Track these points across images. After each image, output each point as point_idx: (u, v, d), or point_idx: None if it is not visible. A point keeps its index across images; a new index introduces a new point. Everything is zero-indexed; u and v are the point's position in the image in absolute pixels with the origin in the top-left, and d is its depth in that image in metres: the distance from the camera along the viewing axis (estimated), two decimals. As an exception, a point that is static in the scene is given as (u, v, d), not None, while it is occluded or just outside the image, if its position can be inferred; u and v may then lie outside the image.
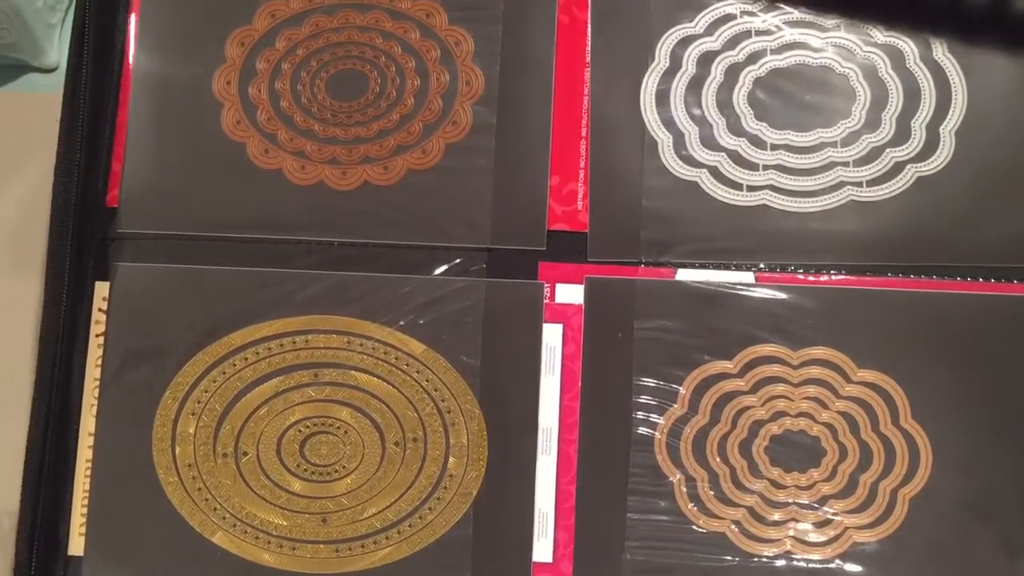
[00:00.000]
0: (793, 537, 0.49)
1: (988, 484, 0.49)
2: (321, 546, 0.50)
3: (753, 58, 0.52)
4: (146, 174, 0.52)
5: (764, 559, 0.49)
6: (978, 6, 0.50)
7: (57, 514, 0.50)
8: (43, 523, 0.49)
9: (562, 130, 0.52)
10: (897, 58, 0.52)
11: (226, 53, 0.53)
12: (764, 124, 0.52)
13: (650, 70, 0.53)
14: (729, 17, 0.53)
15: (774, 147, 0.52)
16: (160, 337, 0.51)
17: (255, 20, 0.54)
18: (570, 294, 0.51)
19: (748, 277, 0.51)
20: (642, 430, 0.50)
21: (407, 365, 0.51)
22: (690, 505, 0.50)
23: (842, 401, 0.50)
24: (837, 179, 0.51)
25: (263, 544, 0.50)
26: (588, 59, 0.53)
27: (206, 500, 0.50)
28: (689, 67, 0.53)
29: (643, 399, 0.50)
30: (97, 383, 0.51)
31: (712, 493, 0.50)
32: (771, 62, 0.52)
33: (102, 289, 0.52)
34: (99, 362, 0.51)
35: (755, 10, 0.53)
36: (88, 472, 0.51)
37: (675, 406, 0.50)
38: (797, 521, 0.49)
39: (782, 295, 0.50)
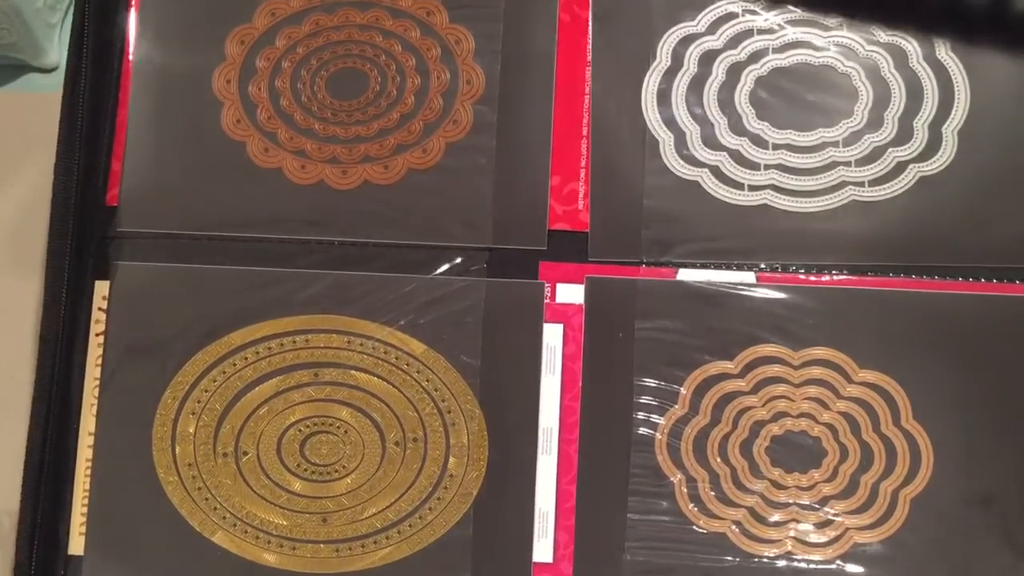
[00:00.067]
0: (794, 538, 0.49)
1: (990, 485, 0.49)
2: (321, 546, 0.50)
3: (755, 57, 0.52)
4: (146, 173, 0.52)
5: (765, 560, 0.49)
6: (978, 6, 0.50)
7: (57, 513, 0.50)
8: (43, 522, 0.49)
9: (563, 129, 0.52)
10: (899, 57, 0.52)
11: (226, 51, 0.53)
12: (766, 123, 0.52)
13: (651, 69, 0.52)
14: (731, 16, 0.53)
15: (776, 146, 0.52)
16: (160, 336, 0.51)
17: (255, 18, 0.54)
18: (571, 294, 0.51)
19: (749, 277, 0.51)
20: (643, 430, 0.50)
21: (407, 365, 0.51)
22: (691, 505, 0.49)
23: (843, 401, 0.50)
24: (839, 179, 0.51)
25: (263, 544, 0.50)
26: (589, 58, 0.53)
27: (206, 500, 0.50)
28: (691, 66, 0.52)
29: (644, 399, 0.50)
30: (97, 382, 0.51)
31: (713, 493, 0.50)
32: (773, 61, 0.52)
33: (102, 288, 0.52)
34: (99, 361, 0.51)
35: (757, 8, 0.53)
36: (88, 472, 0.51)
37: (676, 406, 0.50)
38: (798, 522, 0.49)
39: (783, 295, 0.50)
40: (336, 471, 0.50)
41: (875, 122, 0.52)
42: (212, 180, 0.52)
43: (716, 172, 0.52)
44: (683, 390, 0.50)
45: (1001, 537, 0.48)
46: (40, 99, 0.56)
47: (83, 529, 0.50)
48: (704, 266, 0.51)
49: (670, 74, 0.52)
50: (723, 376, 0.50)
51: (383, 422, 0.51)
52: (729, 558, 0.49)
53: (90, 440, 0.51)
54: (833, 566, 0.49)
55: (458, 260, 0.51)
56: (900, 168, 0.51)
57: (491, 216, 0.51)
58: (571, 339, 0.51)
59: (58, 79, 0.52)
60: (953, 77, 0.52)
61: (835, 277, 0.51)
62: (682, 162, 0.52)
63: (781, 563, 0.49)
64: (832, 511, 0.49)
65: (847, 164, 0.51)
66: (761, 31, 0.52)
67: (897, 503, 0.49)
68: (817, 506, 0.49)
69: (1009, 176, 0.51)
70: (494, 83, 0.53)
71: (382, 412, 0.51)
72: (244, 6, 0.54)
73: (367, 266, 0.51)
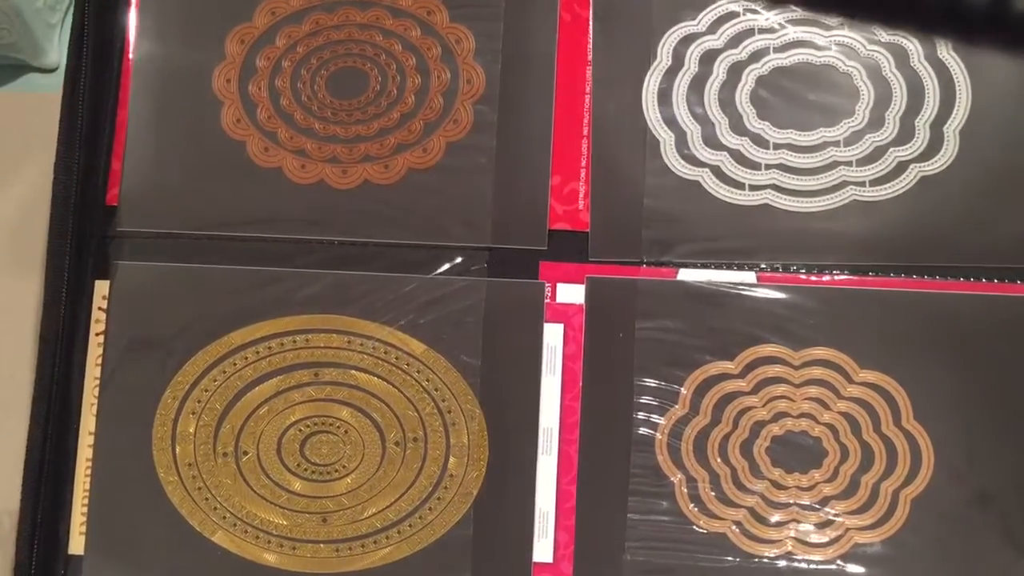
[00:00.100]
0: (794, 538, 0.49)
1: (990, 485, 0.49)
2: (321, 546, 0.50)
3: (756, 56, 0.52)
4: (146, 172, 0.52)
5: (765, 560, 0.49)
6: (978, 6, 0.50)
7: (57, 513, 0.50)
8: (43, 522, 0.49)
9: (563, 129, 0.52)
10: (901, 56, 0.52)
11: (226, 50, 0.53)
12: (767, 123, 0.52)
13: (652, 68, 0.52)
14: (732, 15, 0.53)
15: (776, 146, 0.52)
16: (160, 336, 0.51)
17: (255, 17, 0.53)
18: (571, 294, 0.51)
19: (750, 277, 0.51)
20: (643, 430, 0.50)
21: (407, 365, 0.51)
22: (691, 506, 0.49)
23: (844, 402, 0.50)
24: (840, 178, 0.51)
25: (263, 543, 0.50)
26: (590, 57, 0.53)
27: (206, 499, 0.50)
28: (691, 65, 0.52)
29: (644, 399, 0.50)
30: (97, 382, 0.51)
31: (713, 494, 0.49)
32: (774, 60, 0.52)
33: (102, 288, 0.52)
34: (99, 361, 0.51)
35: (758, 8, 0.52)
36: (88, 471, 0.51)
37: (676, 406, 0.50)
38: (798, 522, 0.49)
39: (784, 295, 0.50)
40: (336, 471, 0.50)
41: (876, 122, 0.51)
42: (212, 180, 0.52)
43: (717, 172, 0.51)
44: (683, 390, 0.50)
45: (1002, 537, 0.48)
46: (40, 99, 0.56)
47: (83, 529, 0.50)
48: (705, 266, 0.51)
49: (671, 73, 0.52)
50: (723, 376, 0.50)
51: (383, 422, 0.51)
52: (729, 558, 0.49)
53: (90, 440, 0.51)
54: (833, 566, 0.49)
55: (458, 260, 0.51)
56: (901, 168, 0.51)
57: (491, 216, 0.51)
58: (571, 339, 0.51)
59: (58, 79, 0.52)
60: (955, 76, 0.52)
61: (836, 277, 0.50)
62: (683, 162, 0.52)
63: (781, 563, 0.49)
64: (833, 511, 0.49)
65: (848, 164, 0.51)
66: (762, 30, 0.52)
67: (898, 503, 0.49)
68: (818, 506, 0.49)
69: (1011, 176, 0.51)
70: (494, 82, 0.52)
71: (382, 412, 0.51)
72: (244, 5, 0.53)
73: (367, 266, 0.51)
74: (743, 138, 0.52)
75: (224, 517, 0.50)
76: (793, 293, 0.50)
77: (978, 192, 0.51)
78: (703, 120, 0.52)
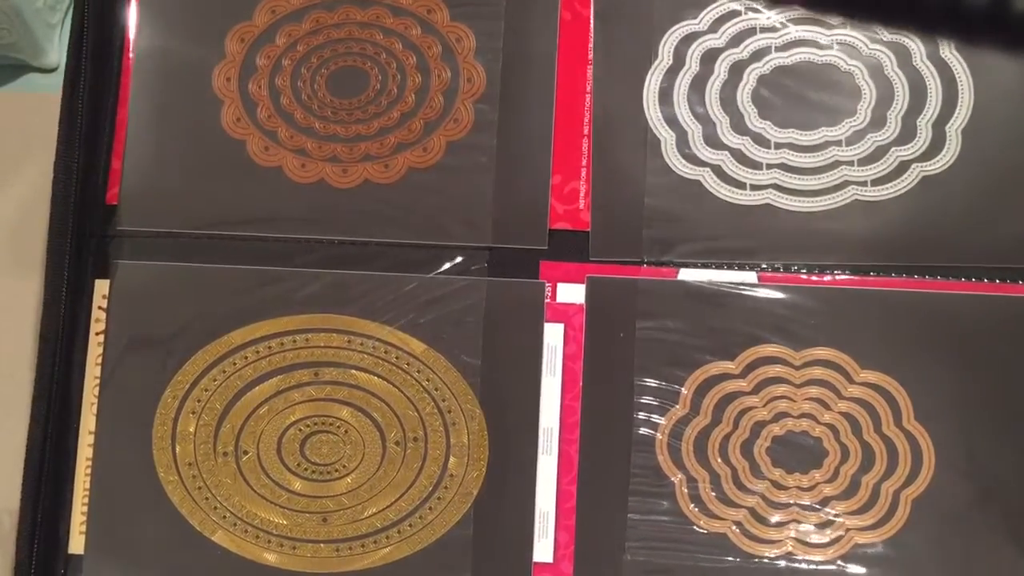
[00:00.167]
0: (795, 538, 0.49)
1: (991, 485, 0.49)
2: (321, 545, 0.50)
3: (757, 55, 0.52)
4: (146, 171, 0.52)
5: (765, 560, 0.49)
6: (978, 6, 0.50)
7: (57, 512, 0.50)
8: (43, 521, 0.49)
9: (564, 128, 0.52)
10: (903, 55, 0.52)
11: (226, 49, 0.53)
12: (768, 122, 0.52)
13: (653, 67, 0.52)
14: (734, 14, 0.52)
15: (778, 145, 0.51)
16: (160, 335, 0.51)
17: (255, 16, 0.53)
18: (571, 293, 0.51)
19: (751, 277, 0.51)
20: (643, 430, 0.50)
21: (408, 364, 0.51)
22: (691, 506, 0.49)
23: (844, 402, 0.50)
24: (841, 178, 0.51)
25: (263, 543, 0.50)
26: (591, 56, 0.52)
27: (206, 499, 0.50)
28: (693, 64, 0.52)
29: (644, 399, 0.50)
30: (97, 381, 0.51)
31: (713, 494, 0.49)
32: (775, 59, 0.52)
33: (102, 287, 0.52)
34: (99, 360, 0.51)
35: (759, 7, 0.52)
36: (88, 470, 0.51)
37: (676, 406, 0.50)
38: (799, 522, 0.49)
39: (785, 295, 0.50)
40: (336, 470, 0.50)
41: (878, 121, 0.51)
42: (212, 179, 0.52)
43: (718, 171, 0.51)
44: (684, 390, 0.50)
45: (1003, 538, 0.48)
46: (40, 99, 0.56)
47: (83, 528, 0.50)
48: (705, 266, 0.51)
49: (672, 73, 0.52)
50: (724, 376, 0.50)
51: (383, 422, 0.51)
52: (730, 558, 0.49)
53: (90, 439, 0.51)
54: (834, 567, 0.49)
55: (458, 259, 0.51)
56: (903, 167, 0.51)
57: (492, 215, 0.51)
58: (572, 339, 0.51)
59: (58, 79, 0.52)
60: (957, 76, 0.51)
61: (837, 277, 0.50)
62: (684, 161, 0.52)
63: (782, 563, 0.49)
64: (833, 512, 0.49)
65: (850, 163, 0.51)
66: (764, 29, 0.52)
67: (898, 504, 0.49)
68: (818, 507, 0.49)
69: (1013, 176, 0.50)
70: (495, 81, 0.52)
71: (382, 412, 0.51)
72: (244, 3, 0.53)
73: (367, 265, 0.51)
74: (744, 137, 0.52)
75: (224, 517, 0.50)
76: (794, 293, 0.50)
77: (980, 192, 0.50)
78: (704, 119, 0.52)
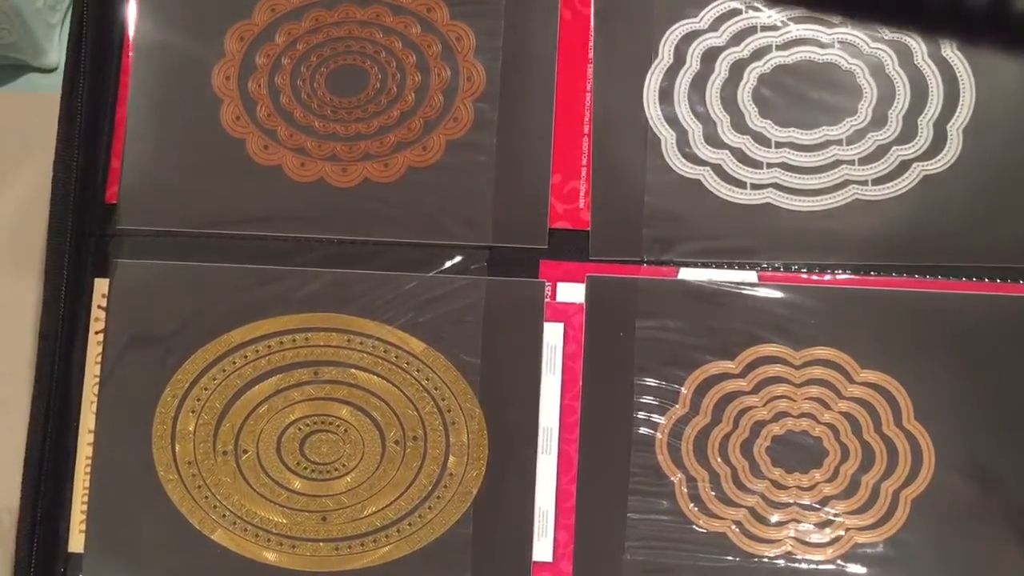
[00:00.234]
0: (794, 538, 0.49)
1: (991, 485, 0.49)
2: (321, 544, 0.50)
3: (758, 54, 0.52)
4: (145, 170, 0.52)
5: (765, 560, 0.49)
6: (979, 6, 0.50)
7: (57, 511, 0.50)
8: (43, 520, 0.49)
9: (564, 127, 0.52)
10: (904, 54, 0.51)
11: (225, 48, 0.53)
12: (768, 121, 0.51)
13: (653, 66, 0.52)
14: (734, 12, 0.52)
15: (778, 145, 0.51)
16: (160, 334, 0.51)
17: (255, 14, 0.53)
18: (571, 293, 0.51)
19: (751, 276, 0.50)
20: (643, 430, 0.50)
21: (407, 363, 0.51)
22: (691, 505, 0.49)
23: (844, 401, 0.50)
24: (842, 177, 0.51)
25: (263, 542, 0.50)
26: (591, 55, 0.52)
27: (206, 498, 0.50)
28: (693, 63, 0.52)
29: (644, 399, 0.50)
30: (97, 380, 0.51)
31: (713, 493, 0.49)
32: (776, 58, 0.52)
33: (101, 286, 0.52)
34: (99, 359, 0.51)
35: (760, 5, 0.52)
36: (88, 469, 0.51)
37: (676, 406, 0.50)
38: (798, 522, 0.49)
39: (785, 295, 0.50)
40: (336, 469, 0.50)
41: (879, 120, 0.51)
42: (211, 177, 0.52)
43: (718, 170, 0.51)
44: (684, 390, 0.50)
45: (1002, 537, 0.48)
46: (40, 99, 0.56)
47: (83, 527, 0.50)
48: (706, 265, 0.51)
49: (672, 71, 0.52)
50: (724, 376, 0.50)
51: (383, 421, 0.51)
52: (729, 558, 0.49)
53: (90, 438, 0.51)
54: (833, 566, 0.49)
55: (458, 258, 0.51)
56: (904, 167, 0.51)
57: (491, 214, 0.51)
58: (572, 338, 0.50)
59: (58, 79, 0.52)
60: (958, 74, 0.51)
61: (837, 277, 0.50)
62: (684, 160, 0.51)
63: (781, 563, 0.49)
64: (833, 511, 0.49)
65: (850, 163, 0.51)
66: (765, 28, 0.52)
67: (898, 503, 0.49)
68: (818, 506, 0.49)
69: (1014, 175, 0.50)
70: (495, 80, 0.52)
71: (382, 411, 0.51)
72: (244, 2, 0.53)
73: (367, 264, 0.51)
74: (745, 136, 0.51)
75: (224, 515, 0.50)
76: (794, 292, 0.50)
77: (981, 191, 0.50)
78: (704, 118, 0.52)
